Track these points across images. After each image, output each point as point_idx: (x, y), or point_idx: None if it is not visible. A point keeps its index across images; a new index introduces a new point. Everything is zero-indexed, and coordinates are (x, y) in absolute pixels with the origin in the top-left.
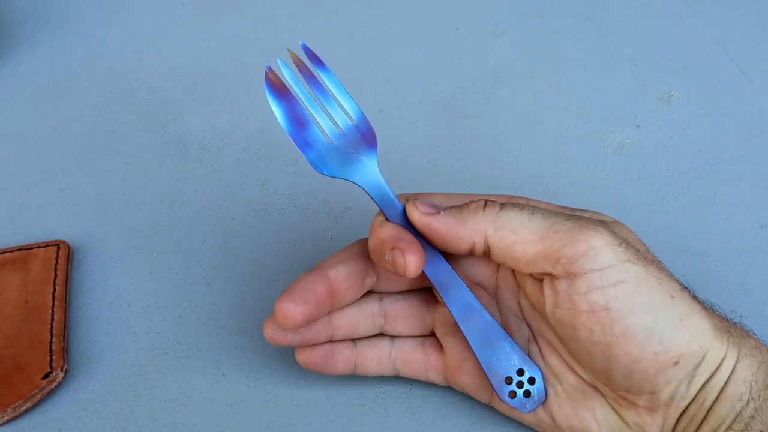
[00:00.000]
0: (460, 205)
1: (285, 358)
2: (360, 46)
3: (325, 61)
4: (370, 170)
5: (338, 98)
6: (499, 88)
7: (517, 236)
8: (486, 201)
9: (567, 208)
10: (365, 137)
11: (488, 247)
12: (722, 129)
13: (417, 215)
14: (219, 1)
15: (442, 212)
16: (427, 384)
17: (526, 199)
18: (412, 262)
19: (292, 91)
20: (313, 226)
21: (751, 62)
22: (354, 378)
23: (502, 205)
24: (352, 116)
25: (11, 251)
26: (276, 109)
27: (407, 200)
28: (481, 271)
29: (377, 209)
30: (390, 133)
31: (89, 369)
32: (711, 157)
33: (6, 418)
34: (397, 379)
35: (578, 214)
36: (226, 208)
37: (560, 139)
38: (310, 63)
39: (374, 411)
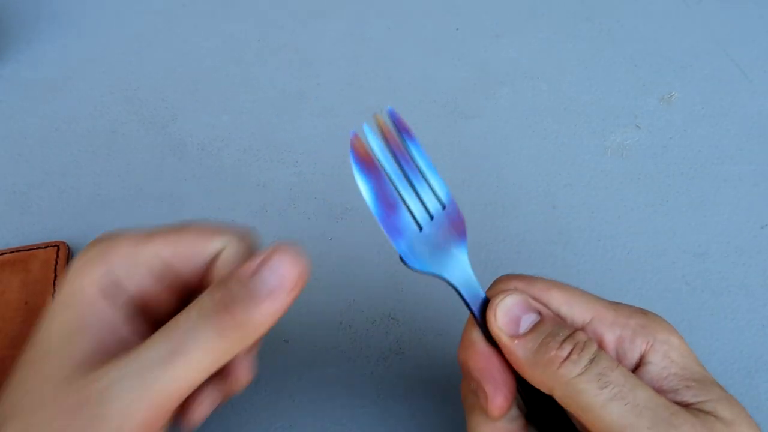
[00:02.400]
0: (540, 342)
1: (285, 357)
2: (360, 46)
3: (412, 132)
4: (460, 264)
5: (428, 178)
6: (499, 88)
7: (584, 414)
8: (571, 351)
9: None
10: (455, 225)
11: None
12: (722, 129)
13: (493, 327)
14: (219, 2)
15: (517, 340)
16: (428, 385)
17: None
18: (495, 408)
19: (381, 167)
20: (313, 227)
21: (751, 62)
22: (354, 378)
23: (585, 369)
24: (442, 200)
25: (11, 252)
26: (364, 188)
27: (491, 301)
28: None
29: (460, 301)
30: None
31: None
32: (711, 157)
33: None
34: (397, 379)
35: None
36: (226, 208)
37: (560, 139)
38: (399, 134)
39: (374, 411)
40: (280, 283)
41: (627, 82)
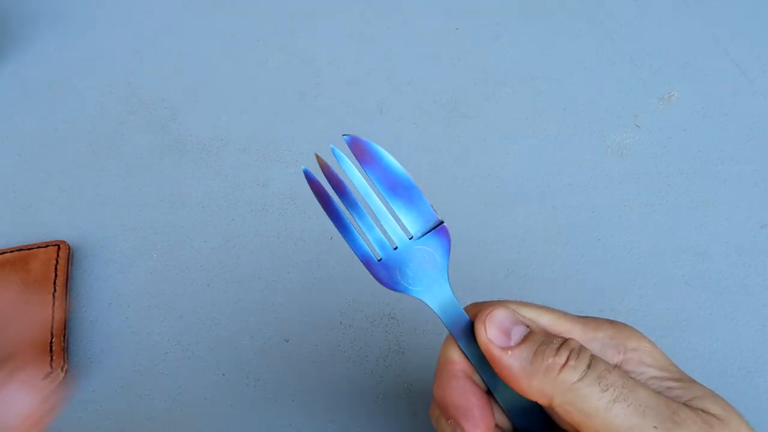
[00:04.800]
0: (535, 351)
1: (285, 358)
2: (360, 46)
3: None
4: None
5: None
6: (499, 88)
7: (587, 420)
8: (568, 357)
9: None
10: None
11: (553, 408)
12: (722, 129)
13: (483, 338)
14: (219, 2)
15: (510, 351)
16: (428, 384)
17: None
18: None
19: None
20: (313, 226)
21: (751, 62)
22: (354, 378)
23: (584, 374)
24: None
25: (11, 251)
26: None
27: (479, 314)
28: None
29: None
30: (390, 133)
31: (89, 369)
32: (711, 157)
33: None
34: (397, 379)
35: (682, 408)
36: (226, 208)
37: (560, 139)
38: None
39: (374, 412)
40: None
41: (627, 82)
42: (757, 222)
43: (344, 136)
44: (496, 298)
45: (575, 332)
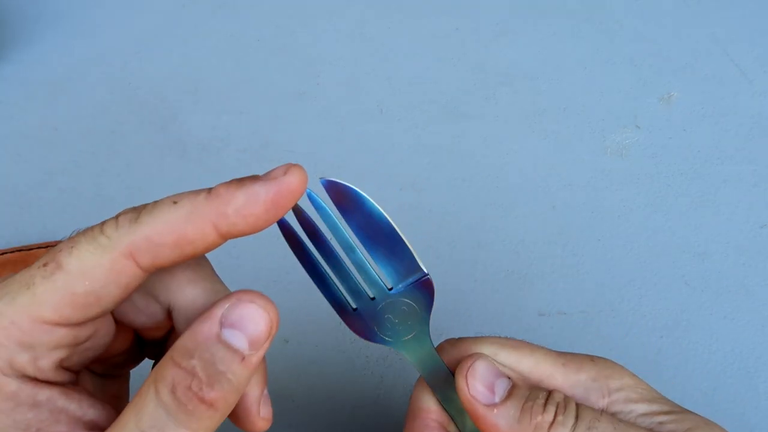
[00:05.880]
0: (521, 408)
1: (285, 357)
2: (360, 46)
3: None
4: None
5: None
6: (499, 88)
7: None
8: (555, 413)
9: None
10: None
11: None
12: (722, 129)
13: (466, 395)
14: (219, 2)
15: (496, 409)
16: None
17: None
18: None
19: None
20: None
21: (751, 62)
22: (354, 379)
23: (573, 427)
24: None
25: (11, 251)
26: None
27: (460, 367)
28: None
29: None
30: (390, 133)
31: None
32: (711, 157)
33: None
34: (397, 380)
35: None
36: None
37: (560, 139)
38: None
39: (374, 412)
40: (249, 344)
41: (627, 82)
42: (757, 222)
43: (321, 180)
44: (496, 298)
45: (557, 376)
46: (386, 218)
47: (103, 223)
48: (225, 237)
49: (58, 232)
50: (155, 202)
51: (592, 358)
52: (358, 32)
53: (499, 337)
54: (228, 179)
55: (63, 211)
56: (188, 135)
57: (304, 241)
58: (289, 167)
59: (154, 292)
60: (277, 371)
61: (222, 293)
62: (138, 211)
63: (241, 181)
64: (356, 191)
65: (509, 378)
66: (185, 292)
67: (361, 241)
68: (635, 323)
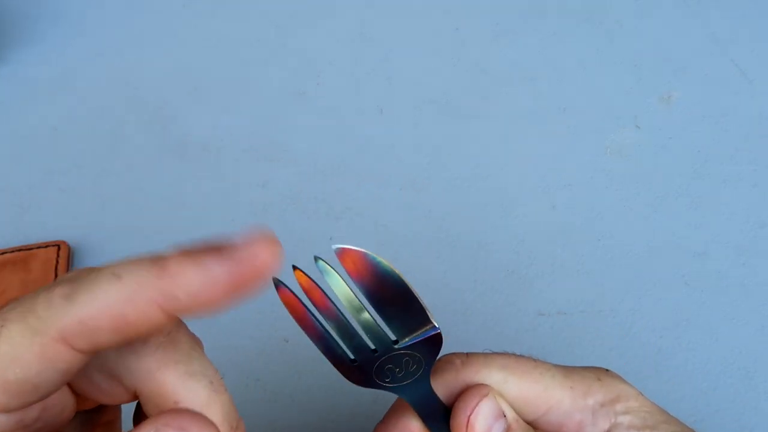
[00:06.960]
0: None
1: (285, 358)
2: (360, 46)
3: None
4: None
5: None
6: (499, 88)
7: None
8: None
9: None
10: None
11: None
12: (722, 129)
13: None
14: (219, 1)
15: None
16: None
17: None
18: None
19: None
20: (313, 226)
21: (751, 62)
22: None
23: None
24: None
25: (12, 252)
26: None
27: (462, 407)
28: None
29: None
30: (390, 133)
31: None
32: (711, 157)
33: None
34: None
35: None
36: (226, 208)
37: (560, 139)
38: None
39: (374, 411)
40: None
41: (627, 82)
42: (757, 222)
43: (334, 248)
44: (496, 298)
45: (565, 401)
46: (399, 277)
47: (37, 296)
48: (175, 319)
49: (58, 232)
50: (96, 273)
51: (598, 377)
52: (358, 32)
53: (507, 357)
54: (228, 179)
55: (63, 211)
56: (188, 135)
57: (310, 311)
58: (257, 238)
59: (116, 374)
60: (277, 371)
61: (199, 375)
62: (75, 285)
63: (195, 255)
64: (371, 256)
65: (506, 417)
66: (154, 378)
67: (369, 301)
68: (635, 323)
